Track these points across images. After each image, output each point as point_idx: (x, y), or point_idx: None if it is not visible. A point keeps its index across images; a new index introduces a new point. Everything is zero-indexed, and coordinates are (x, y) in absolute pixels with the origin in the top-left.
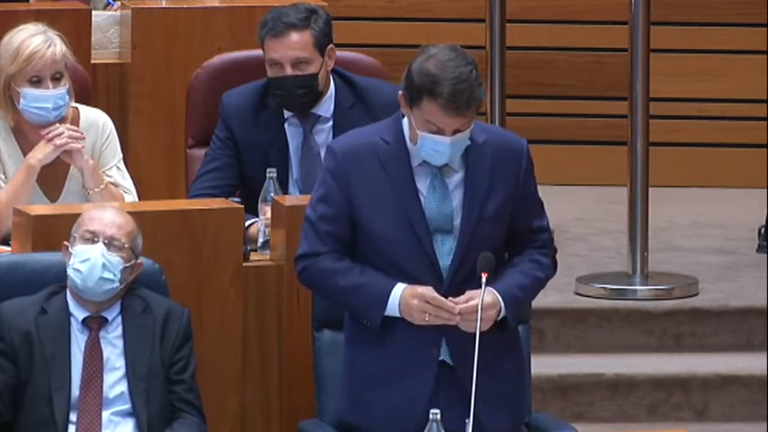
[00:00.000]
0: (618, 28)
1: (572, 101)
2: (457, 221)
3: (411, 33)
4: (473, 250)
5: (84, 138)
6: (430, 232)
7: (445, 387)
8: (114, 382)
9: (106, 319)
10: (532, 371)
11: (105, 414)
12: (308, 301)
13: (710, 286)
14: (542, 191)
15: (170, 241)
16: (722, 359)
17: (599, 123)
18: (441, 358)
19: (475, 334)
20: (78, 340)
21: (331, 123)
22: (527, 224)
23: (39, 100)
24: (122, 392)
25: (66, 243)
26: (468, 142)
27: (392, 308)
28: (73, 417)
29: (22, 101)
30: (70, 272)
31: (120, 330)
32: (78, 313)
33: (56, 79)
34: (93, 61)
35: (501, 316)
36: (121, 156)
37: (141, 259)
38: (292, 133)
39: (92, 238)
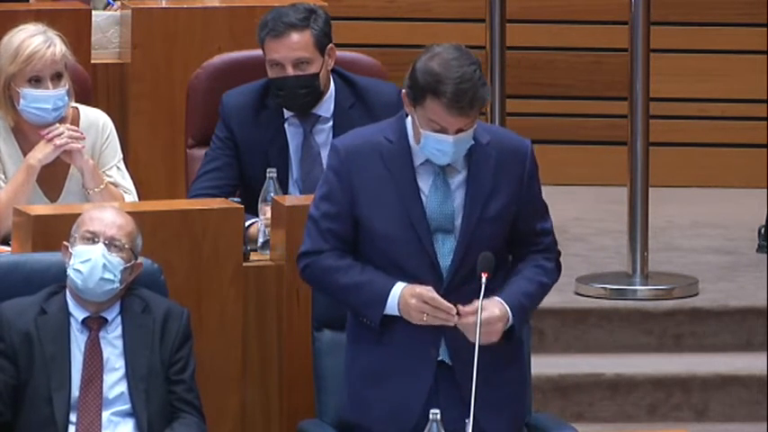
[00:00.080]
0: (618, 28)
1: (572, 101)
2: (458, 221)
3: (411, 33)
4: (473, 250)
5: (84, 138)
6: (430, 232)
7: (444, 387)
8: (114, 382)
9: (106, 320)
10: (532, 371)
11: (105, 414)
12: (308, 301)
13: (710, 286)
14: (542, 191)
15: (170, 241)
16: (722, 359)
17: (599, 123)
18: (440, 358)
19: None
20: (78, 340)
21: (331, 123)
22: (530, 226)
23: (38, 100)
24: (122, 393)
25: (65, 243)
26: (472, 142)
27: (391, 307)
28: (73, 417)
29: (21, 101)
30: (70, 272)
31: (119, 330)
32: (78, 313)
33: (56, 79)
34: (93, 61)
35: (508, 325)
36: (121, 156)
37: (141, 259)
38: (292, 133)
39: (92, 238)
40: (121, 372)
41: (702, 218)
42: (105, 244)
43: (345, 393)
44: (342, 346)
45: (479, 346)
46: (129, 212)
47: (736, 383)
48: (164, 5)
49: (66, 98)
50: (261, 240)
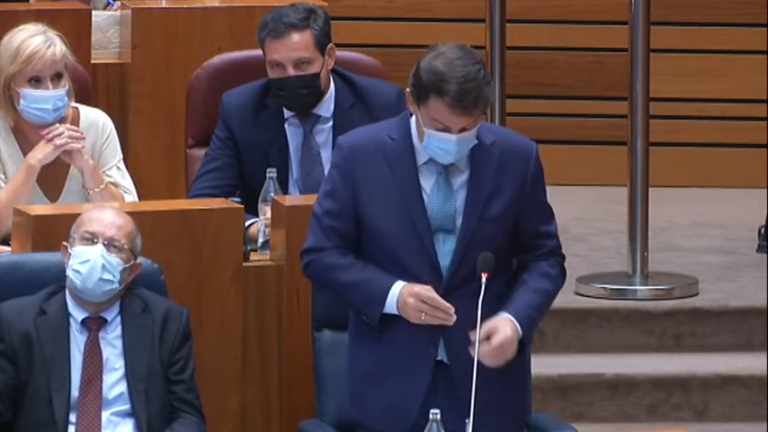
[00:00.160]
0: (618, 28)
1: (572, 101)
2: (459, 221)
3: (411, 33)
4: (474, 251)
5: (84, 138)
6: (431, 231)
7: (442, 387)
8: (114, 382)
9: (105, 320)
10: (532, 371)
11: (105, 414)
12: (308, 301)
13: (710, 286)
14: None
15: (170, 241)
16: (722, 359)
17: (599, 123)
18: (438, 358)
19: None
20: (77, 341)
21: (331, 123)
22: (533, 229)
23: (38, 101)
24: (122, 393)
25: (65, 244)
26: (475, 141)
27: (390, 305)
28: (72, 417)
29: (21, 101)
30: (70, 273)
31: (119, 331)
32: (77, 314)
33: (56, 79)
34: (93, 61)
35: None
36: (121, 156)
37: (140, 259)
38: (292, 133)
39: (91, 238)
40: (121, 372)
41: (702, 218)
42: (104, 244)
43: (347, 392)
44: (342, 346)
45: (476, 346)
46: (128, 212)
47: (736, 383)
48: (164, 5)
49: (66, 98)
50: (261, 240)
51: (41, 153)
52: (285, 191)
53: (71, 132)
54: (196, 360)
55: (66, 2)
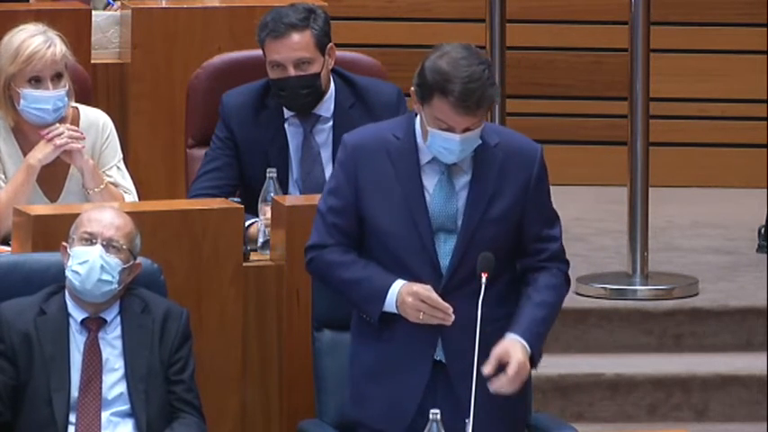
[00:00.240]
0: (618, 28)
1: (572, 101)
2: (460, 221)
3: (411, 33)
4: (474, 252)
5: (84, 138)
6: (432, 230)
7: (439, 387)
8: (113, 382)
9: (105, 320)
10: (532, 371)
11: (105, 415)
12: (308, 301)
13: (710, 286)
14: None
15: (170, 241)
16: (722, 359)
17: (599, 123)
18: (437, 358)
19: (473, 334)
20: (77, 341)
21: (331, 123)
22: (535, 232)
23: (38, 101)
24: (121, 393)
25: (64, 244)
26: (479, 141)
27: (390, 304)
28: (72, 418)
29: (21, 102)
30: (69, 273)
31: (118, 331)
32: (77, 314)
33: (56, 80)
34: (93, 61)
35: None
36: (121, 156)
37: (140, 259)
38: (292, 133)
39: (90, 239)
40: (121, 372)
41: (702, 218)
42: (103, 245)
43: (347, 389)
44: (342, 346)
45: (477, 346)
46: (128, 212)
47: (736, 383)
48: (164, 5)
49: (66, 98)
50: (261, 240)
51: (41, 153)
52: (285, 191)
53: (71, 132)
54: (196, 360)
55: (66, 2)
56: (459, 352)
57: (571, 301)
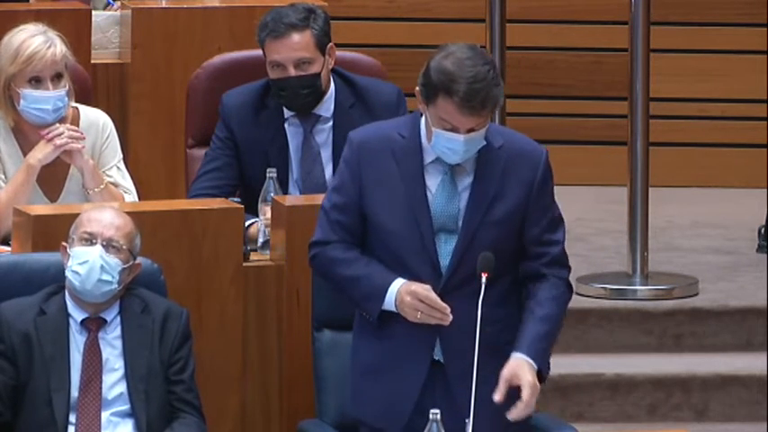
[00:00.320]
0: (618, 28)
1: (572, 101)
2: (461, 222)
3: (411, 33)
4: (474, 253)
5: (84, 138)
6: (433, 230)
7: (438, 387)
8: (113, 382)
9: (105, 320)
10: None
11: (104, 415)
12: (308, 301)
13: (710, 286)
14: None
15: (170, 241)
16: (722, 359)
17: (599, 123)
18: (435, 358)
19: (471, 334)
20: (77, 341)
21: (331, 123)
22: (535, 235)
23: (38, 101)
24: (121, 393)
25: (64, 244)
26: (484, 142)
27: (389, 302)
28: (72, 418)
29: (21, 102)
30: (69, 274)
31: (118, 331)
32: (77, 314)
33: (56, 80)
34: (93, 61)
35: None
36: (121, 156)
37: (140, 259)
38: (292, 133)
39: (90, 239)
40: (121, 372)
41: (702, 218)
42: (103, 245)
43: (348, 387)
44: (342, 346)
45: (477, 346)
46: (128, 212)
47: (736, 383)
48: (164, 5)
49: (66, 99)
50: (261, 240)
51: (41, 153)
52: (285, 191)
53: (71, 132)
54: (196, 360)
55: (66, 2)
56: (458, 352)
57: (571, 301)
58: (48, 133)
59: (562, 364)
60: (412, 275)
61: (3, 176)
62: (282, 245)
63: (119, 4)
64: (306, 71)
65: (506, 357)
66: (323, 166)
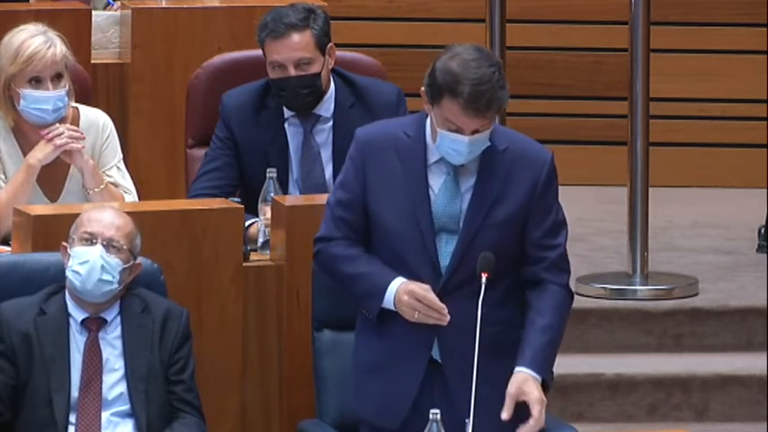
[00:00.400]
0: (618, 28)
1: (572, 101)
2: (462, 223)
3: (411, 33)
4: (474, 254)
5: (84, 138)
6: (434, 230)
7: (436, 386)
8: (113, 382)
9: (105, 320)
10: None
11: (105, 415)
12: (308, 301)
13: (710, 286)
14: None
15: (170, 241)
16: (722, 359)
17: (599, 123)
18: (433, 357)
19: (470, 335)
20: (77, 341)
21: (331, 123)
22: (536, 238)
23: (38, 101)
24: (122, 393)
25: (64, 244)
26: (488, 143)
27: (388, 301)
28: (72, 418)
29: (21, 102)
30: (69, 273)
31: (119, 331)
32: (77, 314)
33: (56, 80)
34: (93, 61)
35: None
36: (121, 156)
37: (140, 259)
38: (292, 133)
39: (90, 239)
40: (121, 372)
41: (702, 218)
42: (103, 245)
43: (350, 384)
44: (342, 346)
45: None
46: (128, 212)
47: (736, 383)
48: (164, 5)
49: (66, 99)
50: (261, 240)
51: (41, 153)
52: (285, 191)
53: (71, 132)
54: (196, 360)
55: (66, 2)
56: (456, 352)
57: None
58: (48, 133)
59: (562, 364)
60: (412, 275)
61: (3, 176)
62: (282, 245)
63: (119, 4)
64: (306, 71)
65: (506, 358)
66: (323, 166)
